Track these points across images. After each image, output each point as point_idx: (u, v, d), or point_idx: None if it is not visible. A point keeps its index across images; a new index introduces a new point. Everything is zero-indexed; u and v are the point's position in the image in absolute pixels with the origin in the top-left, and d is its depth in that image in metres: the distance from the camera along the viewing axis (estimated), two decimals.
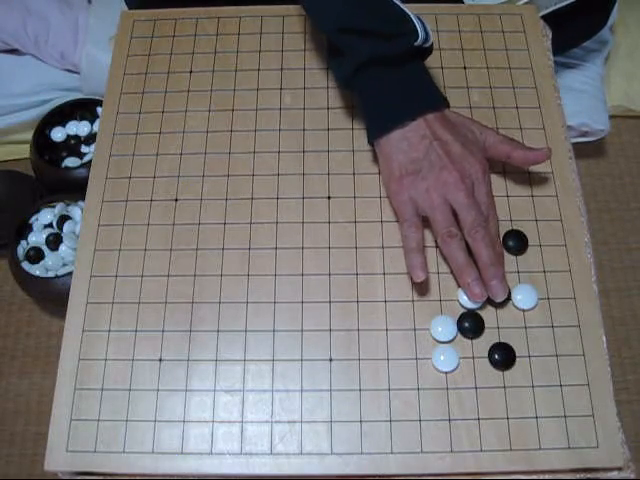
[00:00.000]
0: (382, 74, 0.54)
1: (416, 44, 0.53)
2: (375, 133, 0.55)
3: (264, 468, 0.49)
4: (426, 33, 0.53)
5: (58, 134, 1.08)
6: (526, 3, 0.68)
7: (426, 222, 0.54)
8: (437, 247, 0.55)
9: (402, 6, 0.54)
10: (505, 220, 0.56)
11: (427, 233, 0.55)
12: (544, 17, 0.68)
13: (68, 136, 1.09)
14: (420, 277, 0.51)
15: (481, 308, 0.53)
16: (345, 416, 0.50)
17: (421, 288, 0.54)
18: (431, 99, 0.55)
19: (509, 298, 0.53)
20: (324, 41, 0.65)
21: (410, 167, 0.53)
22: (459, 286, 0.53)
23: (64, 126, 1.09)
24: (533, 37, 0.65)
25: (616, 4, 0.88)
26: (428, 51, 0.56)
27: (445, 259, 0.54)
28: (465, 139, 0.54)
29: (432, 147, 0.52)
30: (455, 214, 0.52)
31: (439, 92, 0.56)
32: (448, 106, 0.56)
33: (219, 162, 0.60)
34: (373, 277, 0.54)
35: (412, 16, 0.53)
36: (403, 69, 0.54)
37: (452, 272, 0.53)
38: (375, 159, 0.58)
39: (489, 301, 0.53)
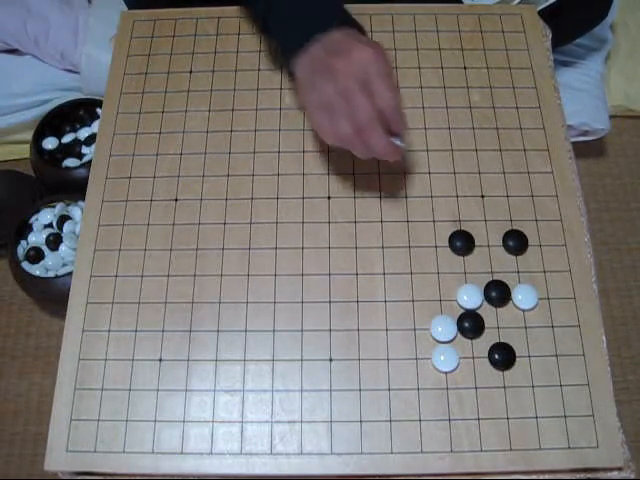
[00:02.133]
0: (287, 2, 0.55)
1: None
2: (289, 57, 0.55)
3: (264, 468, 0.49)
4: None
5: (48, 145, 1.07)
6: (525, 2, 0.68)
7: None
8: (436, 246, 0.55)
9: None
10: (505, 220, 0.56)
11: (424, 233, 0.55)
12: (542, 11, 0.68)
13: (61, 144, 1.08)
14: (392, 154, 0.52)
15: (481, 308, 0.53)
16: (345, 416, 0.50)
17: (421, 288, 0.54)
18: (329, 18, 0.54)
19: (509, 298, 0.53)
20: None
21: (310, 77, 0.53)
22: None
23: (60, 135, 1.09)
24: (533, 37, 0.65)
25: (616, 3, 0.88)
26: None
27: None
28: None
29: (328, 51, 0.52)
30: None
31: (341, 11, 0.56)
32: (358, 28, 0.56)
33: (219, 162, 0.60)
34: (373, 277, 0.54)
35: None
36: None
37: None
38: (375, 159, 0.58)
39: (489, 301, 0.53)
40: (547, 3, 0.69)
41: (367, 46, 0.52)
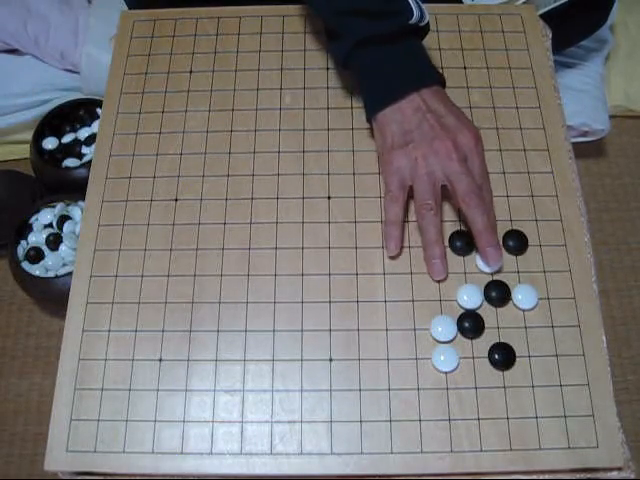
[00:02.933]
0: (378, 52, 0.55)
1: (411, 22, 0.54)
2: (372, 108, 0.56)
3: (264, 468, 0.49)
4: (421, 12, 0.54)
5: (50, 145, 1.08)
6: (525, 2, 0.68)
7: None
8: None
9: None
10: (505, 220, 0.56)
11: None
12: (543, 15, 0.68)
13: (61, 144, 1.08)
14: (392, 251, 0.53)
15: (481, 308, 0.53)
16: (345, 416, 0.50)
17: (421, 288, 0.54)
18: (426, 74, 0.56)
19: (509, 298, 0.53)
20: (323, 35, 0.65)
21: (402, 139, 0.54)
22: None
23: (60, 135, 1.09)
24: (533, 37, 0.65)
25: (616, 3, 0.88)
26: (424, 30, 0.57)
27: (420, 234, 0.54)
28: (459, 112, 0.55)
29: (425, 118, 0.53)
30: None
31: (434, 69, 0.57)
32: (444, 83, 0.57)
33: (219, 162, 0.60)
34: (373, 277, 0.54)
35: None
36: (398, 46, 0.55)
37: (422, 246, 0.54)
38: (375, 159, 0.58)
39: (489, 301, 0.53)
40: (547, 8, 0.69)
41: (472, 130, 0.53)
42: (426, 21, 0.55)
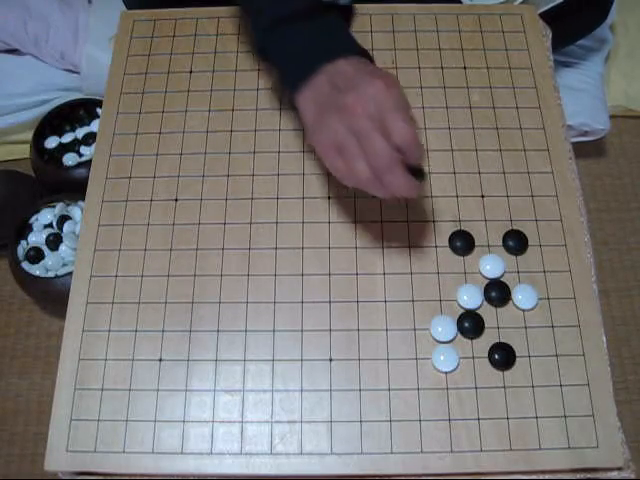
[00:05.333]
0: (291, 31, 0.52)
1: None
2: (291, 90, 0.52)
3: (264, 468, 0.49)
4: None
5: (52, 144, 1.08)
6: (524, 2, 0.68)
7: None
8: (436, 246, 0.55)
9: None
10: (505, 220, 0.56)
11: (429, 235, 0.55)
12: (542, 14, 0.68)
13: (61, 144, 1.09)
14: (390, 194, 0.47)
15: (481, 308, 0.53)
16: (345, 416, 0.50)
17: (421, 288, 0.54)
18: (339, 47, 0.52)
19: (509, 298, 0.53)
20: None
21: (319, 116, 0.50)
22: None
23: (60, 135, 1.09)
24: (533, 37, 0.65)
25: (615, 3, 0.88)
26: (346, 10, 0.54)
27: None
28: (375, 70, 0.50)
29: (336, 87, 0.49)
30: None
31: (352, 41, 0.53)
32: (367, 56, 0.53)
33: (219, 162, 0.60)
34: (373, 277, 0.54)
35: None
36: (311, 24, 0.52)
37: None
38: None
39: (489, 301, 0.53)
40: (547, 6, 0.69)
41: (378, 79, 0.48)
42: (345, 1, 0.52)
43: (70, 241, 0.98)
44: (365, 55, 0.53)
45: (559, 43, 0.70)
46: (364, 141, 0.47)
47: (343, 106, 0.48)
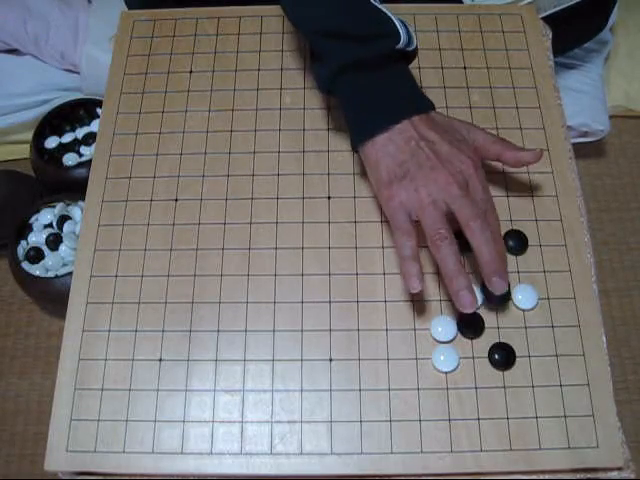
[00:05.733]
0: (363, 78, 0.53)
1: (398, 47, 0.52)
2: (359, 138, 0.53)
3: (264, 468, 0.49)
4: (409, 36, 0.52)
5: (52, 144, 1.08)
6: (528, 4, 0.68)
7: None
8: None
9: (384, 8, 0.53)
10: (505, 220, 0.56)
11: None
12: (544, 19, 0.68)
13: (61, 144, 1.09)
14: (415, 288, 0.48)
15: (481, 308, 0.53)
16: (345, 416, 0.50)
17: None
18: (415, 102, 0.53)
19: (509, 298, 0.53)
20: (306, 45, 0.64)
21: (398, 170, 0.51)
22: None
23: (60, 135, 1.09)
24: (533, 37, 0.65)
25: (616, 5, 0.88)
26: (412, 55, 0.55)
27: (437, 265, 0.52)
28: (453, 138, 0.52)
29: (419, 148, 0.51)
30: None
31: (423, 95, 0.54)
32: (433, 108, 0.54)
33: (219, 162, 0.60)
34: (373, 277, 0.54)
35: (394, 19, 0.52)
36: (384, 73, 0.53)
37: (443, 279, 0.50)
38: None
39: (489, 301, 0.53)
40: (547, 13, 0.69)
41: (468, 156, 0.50)
42: (414, 46, 0.53)
43: (70, 241, 0.98)
44: (433, 108, 0.54)
45: (559, 49, 0.70)
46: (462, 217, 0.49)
47: (431, 177, 0.49)
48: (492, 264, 0.48)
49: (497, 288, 0.48)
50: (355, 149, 0.55)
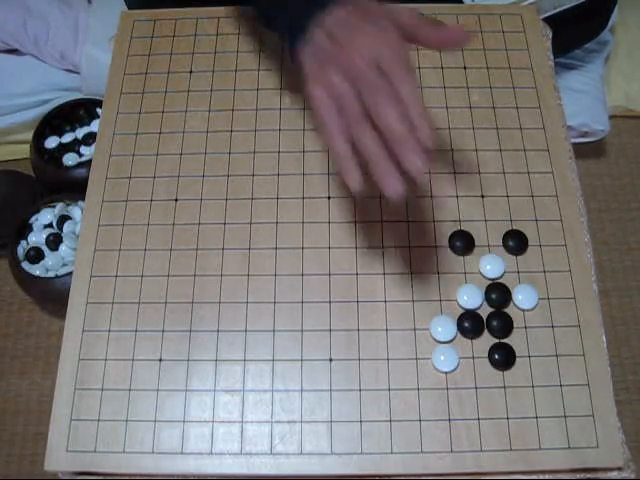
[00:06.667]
0: None
1: None
2: (291, 46, 0.49)
3: (264, 468, 0.49)
4: None
5: (52, 144, 1.08)
6: (529, 4, 0.68)
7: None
8: (436, 246, 0.55)
9: None
10: (505, 220, 0.56)
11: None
12: (544, 20, 0.68)
13: (61, 144, 1.09)
14: (355, 185, 0.43)
15: (481, 308, 0.53)
16: (345, 416, 0.50)
17: (421, 288, 0.54)
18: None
19: (509, 298, 0.53)
20: None
21: (317, 65, 0.46)
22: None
23: (60, 135, 1.09)
24: (533, 37, 0.65)
25: (616, 6, 0.88)
26: None
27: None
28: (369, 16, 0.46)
29: (332, 37, 0.45)
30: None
31: None
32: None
33: (219, 162, 0.60)
34: (373, 277, 0.54)
35: None
36: None
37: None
38: None
39: (490, 303, 0.53)
40: (546, 14, 0.69)
41: (374, 26, 0.44)
42: None
43: (70, 241, 0.98)
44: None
45: (559, 51, 0.70)
46: (369, 97, 0.42)
47: (338, 58, 0.44)
48: (401, 139, 0.42)
49: (412, 167, 0.42)
50: (294, 61, 0.50)
